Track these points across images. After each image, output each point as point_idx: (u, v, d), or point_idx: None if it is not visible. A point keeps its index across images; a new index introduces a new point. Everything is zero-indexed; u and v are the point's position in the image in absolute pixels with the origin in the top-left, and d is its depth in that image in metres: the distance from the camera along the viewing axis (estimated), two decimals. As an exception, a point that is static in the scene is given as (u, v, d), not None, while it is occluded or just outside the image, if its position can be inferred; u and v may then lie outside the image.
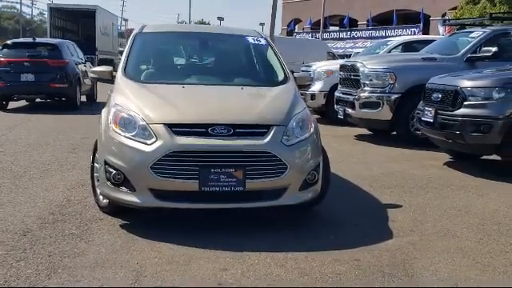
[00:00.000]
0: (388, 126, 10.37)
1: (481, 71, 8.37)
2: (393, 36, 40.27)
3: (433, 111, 7.97)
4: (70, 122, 12.36)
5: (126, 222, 5.00)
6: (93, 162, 5.47)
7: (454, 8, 42.52)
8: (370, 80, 10.14)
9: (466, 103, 7.51)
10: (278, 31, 52.73)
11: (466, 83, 7.64)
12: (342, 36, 48.21)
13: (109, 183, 4.84)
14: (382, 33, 43.51)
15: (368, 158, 8.80)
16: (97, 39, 35.35)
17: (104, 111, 5.32)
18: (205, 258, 4.23)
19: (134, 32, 6.24)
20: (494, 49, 9.76)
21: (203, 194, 4.62)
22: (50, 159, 7.73)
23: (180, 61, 6.38)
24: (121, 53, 21.24)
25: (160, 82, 5.55)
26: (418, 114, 8.61)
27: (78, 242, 4.51)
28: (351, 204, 5.98)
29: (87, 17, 36.22)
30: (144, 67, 5.98)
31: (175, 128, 4.66)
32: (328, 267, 4.11)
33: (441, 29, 13.95)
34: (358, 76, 10.35)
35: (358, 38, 46.15)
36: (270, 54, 6.26)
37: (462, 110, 7.54)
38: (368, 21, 47.33)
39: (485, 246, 4.73)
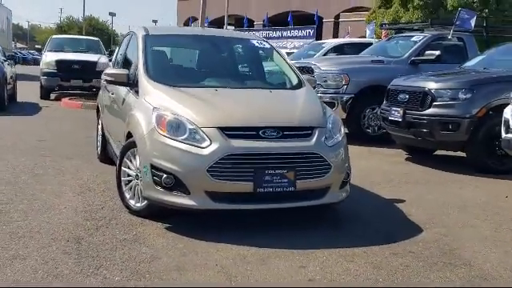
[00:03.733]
0: (341, 125, 10.85)
1: (441, 73, 9.04)
2: (290, 37, 41.45)
3: (401, 111, 8.51)
4: (9, 123, 11.75)
5: (168, 225, 5.02)
6: (120, 167, 5.42)
7: (346, 10, 44.52)
8: (325, 81, 10.57)
9: (435, 103, 8.10)
10: (173, 29, 52.35)
11: (434, 85, 8.24)
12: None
13: (158, 187, 4.84)
14: (279, 33, 44.49)
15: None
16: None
17: (137, 115, 5.27)
18: (276, 256, 4.38)
19: (142, 34, 6.18)
20: (437, 52, 10.53)
21: (257, 195, 4.76)
22: (29, 164, 7.43)
23: (196, 64, 6.40)
24: (111, 53, 20.07)
25: (190, 85, 5.59)
26: (382, 113, 9.13)
27: (139, 246, 4.50)
28: (358, 201, 6.28)
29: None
30: (165, 70, 5.97)
31: (227, 131, 4.77)
32: (393, 260, 4.41)
33: (368, 32, 14.73)
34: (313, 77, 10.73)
35: (255, 37, 46.87)
36: (278, 57, 6.46)
37: (431, 110, 8.14)
38: (264, 21, 48.21)
39: (504, 235, 5.24)
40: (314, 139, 4.97)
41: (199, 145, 4.73)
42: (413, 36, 11.57)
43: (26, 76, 24.65)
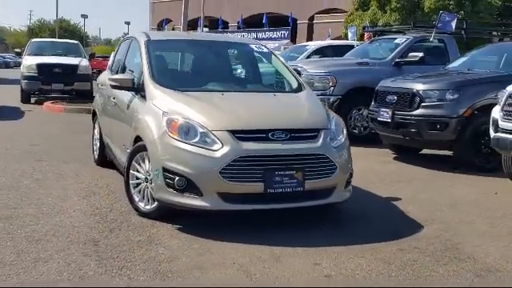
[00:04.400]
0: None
1: (428, 74, 9.32)
2: (264, 38, 41.65)
3: (390, 112, 8.75)
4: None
5: (179, 227, 5.14)
6: (128, 170, 5.53)
7: (320, 12, 44.94)
8: (312, 83, 10.76)
9: (423, 104, 8.36)
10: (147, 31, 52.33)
11: (421, 86, 8.51)
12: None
13: (170, 189, 4.98)
14: (254, 35, 44.77)
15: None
16: None
17: (146, 119, 5.39)
18: (290, 254, 4.55)
19: (144, 39, 6.29)
20: (421, 54, 10.83)
21: (267, 196, 4.93)
22: (27, 168, 7.47)
23: (199, 68, 6.52)
24: (91, 56, 20.18)
25: (195, 89, 5.73)
26: (371, 114, 9.37)
27: (155, 247, 4.63)
28: (356, 200, 6.45)
29: None
30: (170, 75, 6.09)
31: (238, 134, 4.93)
32: (402, 256, 4.62)
33: (350, 34, 15.00)
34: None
35: (230, 39, 47.09)
36: (277, 61, 6.64)
37: (419, 111, 8.40)
38: (239, 23, 48.42)
39: (500, 229, 5.49)
40: (321, 141, 5.16)
41: (211, 148, 4.88)
42: (395, 38, 11.86)
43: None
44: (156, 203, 5.27)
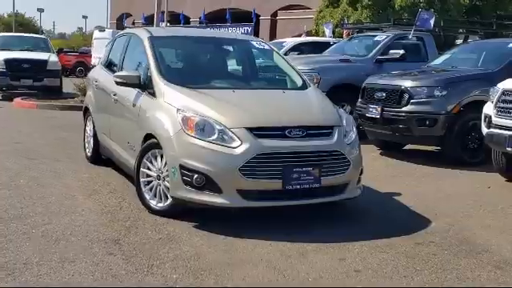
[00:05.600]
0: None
1: (415, 71, 9.51)
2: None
3: (379, 108, 8.88)
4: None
5: (195, 224, 5.13)
6: (138, 168, 5.49)
7: (283, 8, 45.11)
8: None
9: (412, 101, 8.52)
10: (104, 25, 51.61)
11: (410, 83, 8.66)
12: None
13: (188, 187, 4.96)
14: (217, 30, 44.52)
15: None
16: None
17: (159, 116, 5.35)
18: (313, 250, 4.61)
19: (147, 36, 6.23)
20: (402, 51, 11.01)
21: (285, 192, 4.97)
22: (20, 167, 7.29)
23: (204, 65, 6.48)
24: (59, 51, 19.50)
25: (204, 86, 5.71)
26: (358, 110, 9.49)
27: (178, 245, 4.62)
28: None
29: None
30: (177, 72, 6.05)
31: (256, 131, 4.95)
32: (420, 250, 4.72)
33: (327, 31, 15.13)
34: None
35: (193, 34, 46.83)
36: (279, 58, 6.66)
37: (409, 107, 8.55)
38: (201, 18, 48.11)
39: (504, 223, 5.66)
40: (335, 137, 5.22)
41: (229, 145, 4.89)
42: (375, 36, 12.02)
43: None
44: (169, 201, 5.24)
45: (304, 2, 43.38)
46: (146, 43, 6.12)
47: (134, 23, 54.43)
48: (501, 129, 6.92)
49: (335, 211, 5.72)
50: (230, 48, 6.75)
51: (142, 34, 6.39)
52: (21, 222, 5.04)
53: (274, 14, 45.30)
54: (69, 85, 17.73)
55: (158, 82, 5.62)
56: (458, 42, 15.24)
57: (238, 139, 4.89)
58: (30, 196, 5.93)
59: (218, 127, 4.97)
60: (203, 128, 5.00)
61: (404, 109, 8.60)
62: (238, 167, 4.82)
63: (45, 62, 16.98)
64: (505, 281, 4.17)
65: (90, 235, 4.77)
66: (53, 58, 17.44)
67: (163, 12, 49.83)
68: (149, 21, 48.88)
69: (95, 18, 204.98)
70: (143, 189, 5.47)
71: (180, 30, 8.71)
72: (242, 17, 46.28)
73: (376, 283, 4.07)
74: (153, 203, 5.39)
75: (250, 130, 4.94)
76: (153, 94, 5.63)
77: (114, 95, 6.50)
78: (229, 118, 5.04)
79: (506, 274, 4.28)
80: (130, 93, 6.03)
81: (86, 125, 7.93)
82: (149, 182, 5.44)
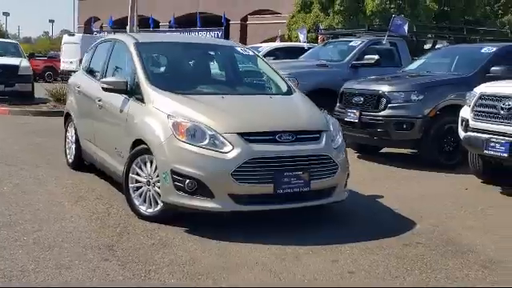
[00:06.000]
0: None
1: (391, 76, 9.69)
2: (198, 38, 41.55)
3: (357, 113, 9.05)
4: None
5: (186, 229, 5.17)
6: (127, 174, 5.51)
7: (253, 13, 45.32)
8: (274, 85, 10.93)
9: (390, 105, 8.70)
10: (71, 29, 51.08)
11: (388, 88, 8.85)
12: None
13: (180, 192, 5.00)
14: (187, 35, 44.47)
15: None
16: None
17: (148, 122, 5.38)
18: (306, 253, 4.69)
19: (132, 42, 6.25)
20: (377, 56, 11.22)
21: (276, 196, 5.05)
22: (2, 174, 7.24)
23: (190, 70, 6.53)
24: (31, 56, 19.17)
25: (193, 91, 5.77)
26: (337, 115, 9.61)
27: (173, 250, 4.66)
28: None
29: None
30: (165, 77, 6.09)
31: (247, 136, 5.02)
32: (409, 251, 4.85)
33: (301, 36, 15.29)
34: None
35: (162, 39, 46.75)
36: (263, 64, 6.75)
37: (386, 111, 8.73)
38: (170, 22, 48.03)
39: (485, 223, 5.84)
40: (323, 142, 5.33)
41: (221, 150, 4.95)
42: (350, 41, 12.21)
43: None
44: (159, 206, 5.28)
45: (273, 7, 43.67)
46: (132, 49, 6.14)
47: (102, 27, 54.02)
48: (478, 132, 7.11)
49: (323, 214, 5.81)
50: (216, 54, 6.81)
51: (127, 39, 6.41)
52: (11, 229, 5.02)
53: (244, 19, 45.51)
54: (40, 90, 17.56)
55: (146, 88, 5.64)
56: (426, 47, 15.55)
57: (229, 144, 4.96)
58: (17, 203, 5.89)
59: (209, 132, 5.03)
60: (194, 133, 5.05)
61: (382, 113, 8.77)
62: (230, 172, 4.88)
63: (16, 67, 16.75)
64: (492, 280, 4.32)
65: (83, 241, 4.77)
66: (24, 63, 17.22)
67: (133, 16, 49.46)
68: (117, 25, 48.72)
69: (62, 22, 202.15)
70: (132, 195, 5.49)
71: (165, 36, 8.75)
72: (211, 21, 46.35)
73: (370, 284, 4.16)
74: (142, 209, 5.41)
75: (242, 135, 5.01)
76: (141, 100, 5.65)
77: (99, 101, 6.49)
78: (219, 123, 5.10)
79: (493, 273, 4.43)
80: (117, 99, 6.03)
81: (66, 131, 7.89)
82: (138, 188, 5.46)
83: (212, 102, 5.54)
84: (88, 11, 53.72)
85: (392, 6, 18.07)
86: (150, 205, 5.37)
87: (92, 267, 4.21)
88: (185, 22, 48.03)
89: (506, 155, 6.69)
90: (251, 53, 6.87)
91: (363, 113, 8.99)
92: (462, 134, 7.52)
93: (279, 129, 5.16)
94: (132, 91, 5.84)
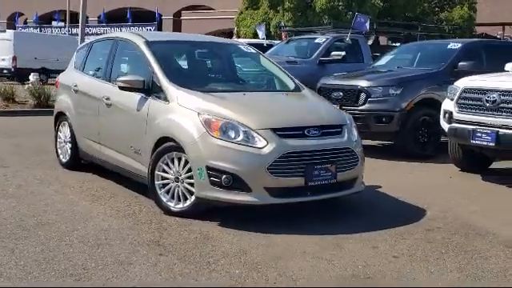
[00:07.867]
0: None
1: (366, 71, 10.11)
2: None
3: (337, 107, 9.36)
4: None
5: (218, 222, 5.31)
6: (153, 171, 5.58)
7: (185, 9, 45.14)
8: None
9: (369, 99, 9.10)
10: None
11: (366, 83, 9.25)
12: (75, 32, 47.24)
13: (216, 187, 5.14)
14: (118, 30, 43.88)
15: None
16: None
17: (177, 120, 5.46)
18: (346, 241, 4.94)
19: (142, 40, 6.30)
20: (343, 53, 11.65)
21: (308, 188, 5.28)
22: (5, 173, 7.13)
23: (205, 69, 6.62)
24: None
25: (212, 89, 5.90)
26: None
27: (218, 243, 4.78)
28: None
29: None
30: (183, 76, 6.17)
31: (279, 132, 5.22)
32: (435, 235, 5.18)
33: (260, 33, 15.49)
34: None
35: (91, 34, 45.74)
36: (266, 62, 6.94)
37: (366, 105, 9.14)
38: (100, 17, 47.18)
39: (487, 208, 6.29)
40: (346, 136, 5.61)
41: (255, 145, 5.13)
42: (315, 38, 12.56)
43: None
44: (189, 202, 5.39)
45: (207, 3, 43.70)
46: (144, 48, 6.19)
47: (26, 22, 52.36)
48: (463, 123, 7.56)
49: (341, 206, 6.07)
50: (224, 52, 6.94)
51: (136, 39, 6.44)
52: (49, 229, 5.00)
53: (177, 14, 45.27)
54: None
55: (168, 86, 5.72)
56: (369, 42, 16.15)
57: (263, 140, 5.14)
58: (34, 204, 5.83)
59: (242, 129, 5.19)
60: (228, 130, 5.20)
61: (362, 107, 9.16)
62: (266, 166, 5.07)
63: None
64: (520, 257, 4.71)
65: (128, 238, 4.83)
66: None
67: (59, 11, 48.27)
68: (42, 20, 47.34)
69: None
70: (159, 192, 5.57)
71: (169, 35, 8.75)
72: (143, 16, 45.85)
73: (372, 284, 4.19)
74: (170, 205, 5.50)
75: (274, 130, 5.20)
76: (163, 99, 5.72)
77: (107, 99, 6.48)
78: (251, 119, 5.27)
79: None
80: (131, 97, 6.06)
81: (58, 130, 7.78)
82: (164, 185, 5.54)
83: (235, 98, 5.70)
84: (11, 6, 51.82)
85: (340, 3, 18.60)
86: (179, 201, 5.46)
87: (153, 262, 4.29)
88: (115, 18, 47.28)
89: (492, 144, 7.17)
90: (254, 51, 7.04)
91: (343, 107, 9.31)
92: (445, 125, 7.97)
93: (307, 124, 5.39)
94: (149, 90, 5.90)
